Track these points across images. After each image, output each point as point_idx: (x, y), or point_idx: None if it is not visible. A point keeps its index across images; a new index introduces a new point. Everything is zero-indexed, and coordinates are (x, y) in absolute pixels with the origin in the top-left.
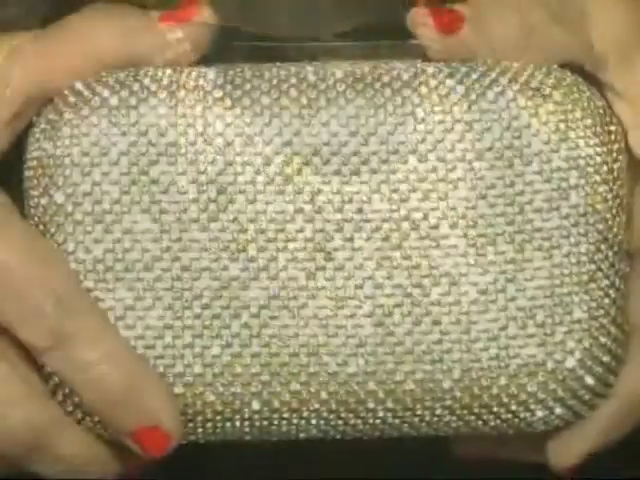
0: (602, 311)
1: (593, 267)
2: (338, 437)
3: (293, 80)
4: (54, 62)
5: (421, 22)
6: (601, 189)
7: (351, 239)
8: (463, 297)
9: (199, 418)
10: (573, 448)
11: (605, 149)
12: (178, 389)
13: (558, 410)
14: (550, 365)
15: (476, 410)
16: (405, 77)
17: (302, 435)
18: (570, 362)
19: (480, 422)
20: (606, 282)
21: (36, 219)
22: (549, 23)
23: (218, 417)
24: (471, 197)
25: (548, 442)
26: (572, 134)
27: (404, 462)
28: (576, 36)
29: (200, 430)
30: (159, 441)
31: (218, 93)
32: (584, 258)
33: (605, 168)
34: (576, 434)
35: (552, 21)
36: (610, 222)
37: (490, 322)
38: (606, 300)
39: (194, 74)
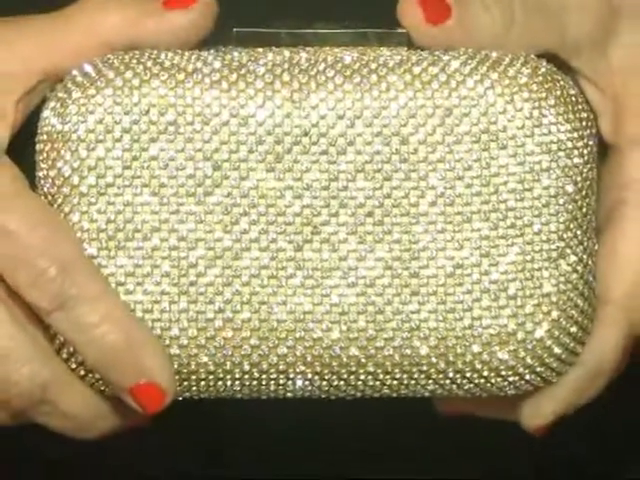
0: (570, 285)
1: (562, 244)
2: (323, 397)
3: (286, 65)
4: (64, 42)
5: (409, 12)
6: (571, 172)
7: (337, 214)
8: (440, 270)
9: (193, 377)
10: (543, 410)
11: (576, 135)
12: (174, 350)
13: (527, 376)
14: (520, 335)
15: (451, 375)
16: (390, 64)
17: (289, 395)
18: (539, 332)
19: (455, 386)
20: (574, 258)
21: (45, 190)
22: (530, 13)
23: (211, 377)
24: (449, 177)
25: (520, 404)
26: (545, 120)
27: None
28: (554, 25)
29: (194, 388)
30: (154, 397)
31: (215, 76)
32: (554, 236)
33: (576, 152)
34: (545, 397)
35: (532, 11)
36: (579, 203)
37: (465, 294)
38: (574, 275)
39: (194, 57)
